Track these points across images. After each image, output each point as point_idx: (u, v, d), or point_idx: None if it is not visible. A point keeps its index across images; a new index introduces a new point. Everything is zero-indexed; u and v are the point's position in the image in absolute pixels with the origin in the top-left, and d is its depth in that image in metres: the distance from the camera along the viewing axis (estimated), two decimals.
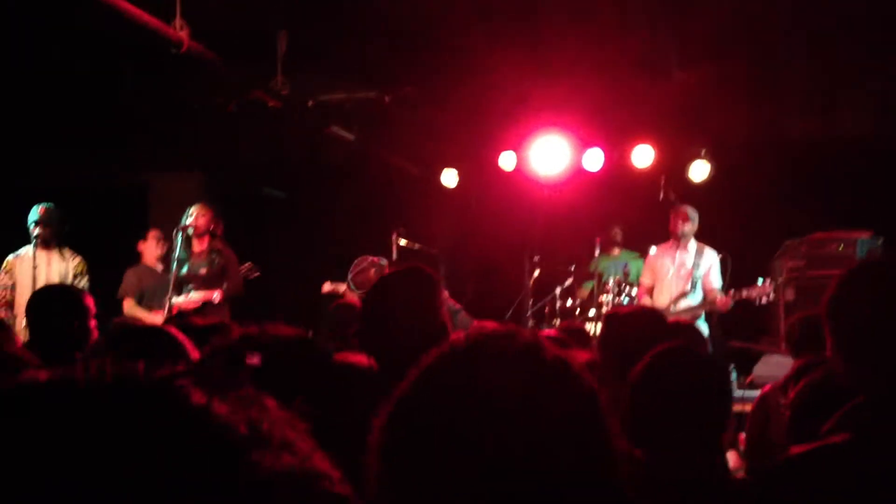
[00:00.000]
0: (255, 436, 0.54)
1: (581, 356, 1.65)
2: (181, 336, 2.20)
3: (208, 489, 0.50)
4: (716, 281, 7.45)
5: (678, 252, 7.53)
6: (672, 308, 7.35)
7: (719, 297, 7.23)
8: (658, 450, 2.03)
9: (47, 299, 4.09)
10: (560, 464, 0.99)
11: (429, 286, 2.57)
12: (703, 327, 7.33)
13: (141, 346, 2.17)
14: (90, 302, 3.96)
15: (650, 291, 7.67)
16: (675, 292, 7.47)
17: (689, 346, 2.31)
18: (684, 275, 7.46)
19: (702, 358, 2.21)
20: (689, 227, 7.47)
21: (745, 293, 7.21)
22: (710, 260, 7.48)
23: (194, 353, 2.13)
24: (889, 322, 1.52)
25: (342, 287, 7.42)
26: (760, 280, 7.30)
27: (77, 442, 0.49)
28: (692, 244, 7.52)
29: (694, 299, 7.42)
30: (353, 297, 7.34)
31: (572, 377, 1.09)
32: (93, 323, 3.89)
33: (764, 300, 7.27)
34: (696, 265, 7.43)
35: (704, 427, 2.06)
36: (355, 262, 7.47)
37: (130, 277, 7.34)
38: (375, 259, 7.38)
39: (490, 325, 4.21)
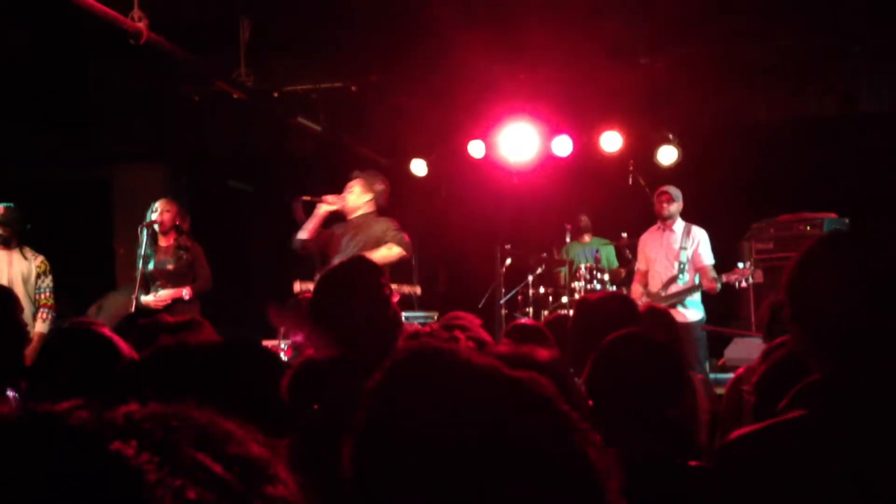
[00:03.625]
0: (160, 473, 0.56)
1: (542, 353, 1.64)
2: (116, 338, 2.33)
3: None
4: (706, 258, 7.30)
5: (664, 234, 7.46)
6: (661, 293, 7.31)
7: (706, 279, 7.14)
8: (613, 434, 2.04)
9: None
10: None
11: (373, 275, 2.56)
12: (697, 311, 7.28)
13: (76, 348, 2.34)
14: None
15: (644, 277, 7.58)
16: (664, 277, 7.38)
17: (642, 332, 2.35)
18: (671, 257, 7.37)
19: (651, 343, 2.25)
20: (675, 207, 7.38)
21: (724, 277, 7.19)
22: (698, 238, 7.35)
23: (133, 354, 2.21)
24: (845, 294, 1.51)
25: (312, 286, 7.26)
26: (741, 264, 7.29)
27: None
28: (679, 224, 7.40)
29: (682, 282, 7.31)
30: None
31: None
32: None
33: (744, 283, 7.25)
34: (682, 247, 7.33)
35: (656, 409, 2.10)
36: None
37: None
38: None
39: (462, 315, 4.12)
